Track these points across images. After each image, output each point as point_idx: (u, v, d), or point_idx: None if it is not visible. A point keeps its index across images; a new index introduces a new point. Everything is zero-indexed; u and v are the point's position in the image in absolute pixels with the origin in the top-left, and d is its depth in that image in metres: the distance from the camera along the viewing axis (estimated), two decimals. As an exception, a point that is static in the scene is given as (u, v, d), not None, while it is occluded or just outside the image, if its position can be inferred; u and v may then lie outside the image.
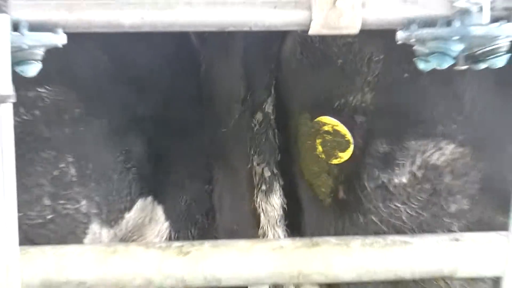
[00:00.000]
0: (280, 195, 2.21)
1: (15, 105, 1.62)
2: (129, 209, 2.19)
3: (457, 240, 1.89)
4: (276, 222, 2.20)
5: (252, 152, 2.20)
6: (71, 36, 1.60)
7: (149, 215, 2.28)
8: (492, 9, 1.70)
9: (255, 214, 2.23)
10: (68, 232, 2.05)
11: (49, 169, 2.00)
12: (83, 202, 2.04)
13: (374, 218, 2.01)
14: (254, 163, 2.20)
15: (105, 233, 2.12)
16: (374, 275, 1.92)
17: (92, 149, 2.05)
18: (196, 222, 2.37)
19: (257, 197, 2.21)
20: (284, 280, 1.97)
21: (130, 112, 2.14)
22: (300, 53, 2.08)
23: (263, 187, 2.19)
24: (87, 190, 2.05)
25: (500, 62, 1.70)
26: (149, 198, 2.26)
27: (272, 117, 2.19)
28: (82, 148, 2.03)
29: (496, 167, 1.95)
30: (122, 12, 1.61)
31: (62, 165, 2.01)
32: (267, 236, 2.20)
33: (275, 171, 2.19)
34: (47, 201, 2.00)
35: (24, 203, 1.91)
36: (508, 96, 1.92)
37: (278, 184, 2.19)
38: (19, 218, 1.81)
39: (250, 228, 2.24)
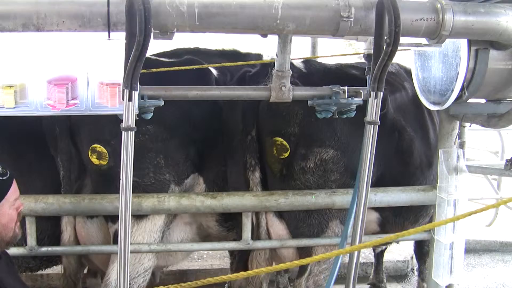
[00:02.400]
0: (258, 172, 3.80)
1: (145, 130, 3.20)
2: (187, 178, 3.79)
3: (334, 192, 3.67)
4: (256, 184, 3.79)
5: (246, 153, 3.78)
6: (167, 102, 3.12)
7: (196, 181, 3.87)
8: (348, 91, 3.28)
9: (247, 180, 3.81)
10: (161, 188, 3.65)
11: (152, 161, 3.61)
12: (167, 175, 3.67)
13: (298, 182, 3.74)
14: (247, 157, 3.78)
15: (177, 189, 3.73)
16: (297, 206, 3.65)
17: (172, 153, 3.64)
18: (218, 184, 3.91)
19: (248, 173, 3.80)
20: (258, 209, 3.71)
21: (189, 137, 3.69)
22: (266, 108, 3.73)
23: (251, 168, 3.78)
24: (169, 169, 3.66)
25: (352, 114, 3.32)
26: (196, 174, 3.85)
27: (255, 137, 3.76)
28: (167, 152, 3.63)
29: (349, 160, 3.69)
30: (188, 91, 3.22)
31: (158, 159, 3.63)
32: (252, 190, 3.78)
33: (256, 161, 3.78)
34: (152, 174, 3.63)
35: (142, 175, 3.57)
36: (355, 129, 3.56)
37: (257, 167, 3.79)
38: (140, 183, 3.49)
39: (245, 187, 3.81)
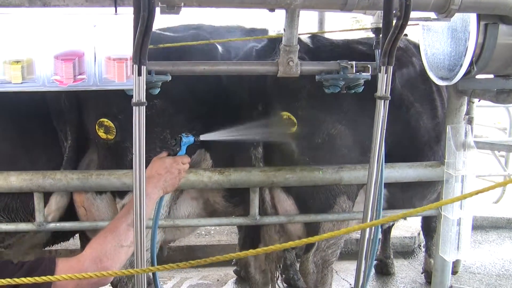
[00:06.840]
0: (261, 148, 3.75)
1: (151, 104, 3.17)
2: (193, 153, 3.74)
3: (341, 168, 3.67)
4: (259, 160, 3.75)
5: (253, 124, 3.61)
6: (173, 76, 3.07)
7: (203, 157, 3.87)
8: (356, 66, 3.22)
9: (251, 156, 3.78)
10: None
11: (158, 135, 3.63)
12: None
13: (307, 158, 3.74)
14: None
15: (184, 165, 3.78)
16: (305, 182, 3.65)
17: (177, 127, 3.62)
18: (225, 160, 3.87)
19: (251, 148, 3.76)
20: (266, 185, 3.71)
21: (196, 111, 3.69)
22: (273, 83, 3.69)
23: (254, 144, 3.74)
24: (175, 144, 3.71)
25: (360, 89, 3.28)
26: (203, 149, 3.84)
27: (262, 110, 3.74)
28: (173, 127, 3.63)
29: (357, 135, 3.69)
30: (195, 66, 3.17)
31: (164, 134, 3.64)
32: (254, 165, 3.75)
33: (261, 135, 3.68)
34: (158, 149, 3.59)
35: (149, 150, 3.20)
36: (363, 105, 3.54)
37: (261, 142, 3.75)
38: (147, 157, 3.43)
39: (250, 163, 3.77)
